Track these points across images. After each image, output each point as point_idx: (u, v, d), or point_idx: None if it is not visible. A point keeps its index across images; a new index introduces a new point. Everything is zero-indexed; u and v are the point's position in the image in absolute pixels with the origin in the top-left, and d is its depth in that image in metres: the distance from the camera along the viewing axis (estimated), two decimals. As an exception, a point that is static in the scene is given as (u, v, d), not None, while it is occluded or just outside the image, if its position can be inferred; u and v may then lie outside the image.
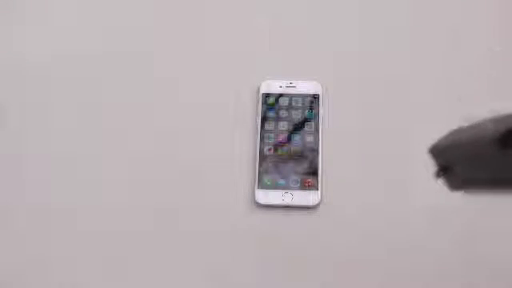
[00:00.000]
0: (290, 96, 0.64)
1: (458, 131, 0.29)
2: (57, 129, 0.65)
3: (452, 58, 0.66)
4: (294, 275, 0.58)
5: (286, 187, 0.60)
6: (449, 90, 0.64)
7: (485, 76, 0.65)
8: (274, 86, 0.65)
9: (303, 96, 0.64)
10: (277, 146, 0.62)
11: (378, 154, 0.62)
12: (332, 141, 0.62)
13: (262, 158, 0.62)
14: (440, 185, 0.60)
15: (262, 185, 0.61)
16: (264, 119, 0.63)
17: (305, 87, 0.65)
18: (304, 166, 0.61)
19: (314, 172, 0.61)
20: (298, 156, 0.62)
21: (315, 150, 0.62)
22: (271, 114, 0.64)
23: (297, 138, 0.62)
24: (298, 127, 0.63)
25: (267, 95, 0.64)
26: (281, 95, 0.64)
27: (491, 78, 0.65)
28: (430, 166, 0.62)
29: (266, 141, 0.62)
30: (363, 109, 0.64)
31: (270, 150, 0.62)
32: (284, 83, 0.65)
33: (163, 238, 0.60)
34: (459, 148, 0.29)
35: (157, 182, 0.62)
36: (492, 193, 0.29)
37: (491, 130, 0.26)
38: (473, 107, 0.63)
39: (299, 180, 0.61)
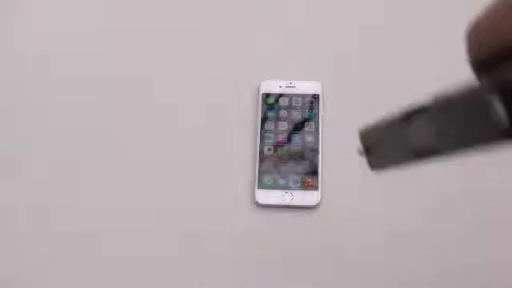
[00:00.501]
0: (290, 96, 0.64)
1: (385, 116, 0.33)
2: (57, 129, 0.65)
3: (452, 57, 0.66)
4: (294, 275, 0.58)
5: (286, 187, 0.60)
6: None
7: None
8: (274, 86, 0.65)
9: (303, 96, 0.64)
10: (277, 146, 0.62)
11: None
12: (332, 141, 0.62)
13: (262, 158, 0.62)
14: (440, 186, 0.60)
15: (262, 185, 0.61)
16: (264, 119, 0.63)
17: (305, 87, 0.65)
18: (304, 166, 0.61)
19: (313, 172, 0.61)
20: (298, 156, 0.62)
21: (315, 150, 0.62)
22: (271, 114, 0.64)
23: (297, 138, 0.62)
24: (298, 127, 0.63)
25: (267, 95, 0.64)
26: (281, 95, 0.64)
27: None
28: (429, 166, 0.62)
29: (266, 141, 0.62)
30: (363, 109, 0.64)
31: (269, 150, 0.62)
32: (284, 83, 0.65)
33: (163, 238, 0.60)
34: (378, 130, 0.34)
35: (157, 182, 0.62)
36: (407, 165, 0.34)
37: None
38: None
39: (299, 180, 0.61)
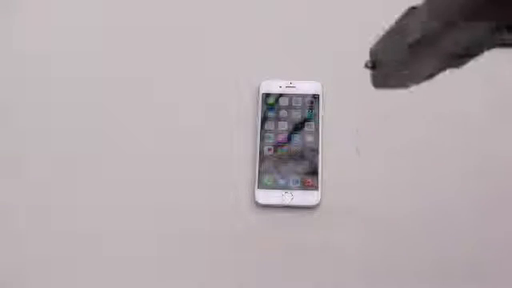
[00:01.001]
0: (290, 96, 0.64)
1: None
2: (57, 129, 0.65)
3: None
4: (294, 275, 0.58)
5: (286, 187, 0.60)
6: (448, 89, 0.64)
7: (480, 73, 0.65)
8: (274, 86, 0.65)
9: (303, 96, 0.64)
10: (277, 146, 0.62)
11: (377, 154, 0.62)
12: (332, 141, 0.62)
13: (262, 158, 0.62)
14: (439, 186, 0.60)
15: (261, 185, 0.61)
16: (264, 119, 0.63)
17: (305, 87, 0.65)
18: (304, 166, 0.61)
19: (314, 172, 0.61)
20: (298, 156, 0.62)
21: (315, 150, 0.62)
22: (271, 114, 0.64)
23: (297, 137, 0.62)
24: (298, 127, 0.63)
25: (267, 95, 0.65)
26: (281, 95, 0.64)
27: (485, 75, 0.65)
28: (431, 166, 0.62)
29: (266, 141, 0.62)
30: (363, 109, 0.64)
31: (269, 150, 0.62)
32: (284, 83, 0.65)
33: (163, 238, 0.60)
34: (383, 39, 0.38)
35: (157, 182, 0.62)
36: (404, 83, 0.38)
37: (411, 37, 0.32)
38: (468, 104, 0.64)
39: (299, 180, 0.61)
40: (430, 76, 0.36)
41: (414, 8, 0.32)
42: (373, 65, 0.39)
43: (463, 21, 0.27)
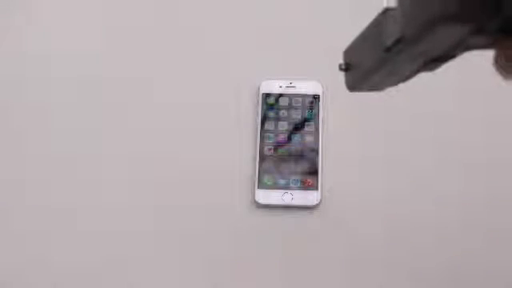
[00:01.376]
0: (290, 96, 0.64)
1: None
2: (57, 129, 0.65)
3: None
4: (294, 275, 0.58)
5: (286, 187, 0.60)
6: (448, 89, 0.64)
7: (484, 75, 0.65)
8: (274, 86, 0.65)
9: (303, 96, 0.64)
10: (277, 146, 0.62)
11: (377, 155, 0.62)
12: (332, 141, 0.62)
13: (262, 158, 0.62)
14: (440, 186, 0.60)
15: (261, 185, 0.61)
16: (264, 119, 0.63)
17: (305, 87, 0.65)
18: (304, 166, 0.61)
19: (314, 172, 0.61)
20: (298, 156, 0.62)
21: (315, 150, 0.62)
22: (271, 113, 0.64)
23: (297, 137, 0.62)
24: (298, 127, 0.63)
25: (267, 95, 0.65)
26: (281, 95, 0.64)
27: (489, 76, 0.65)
28: (428, 168, 0.62)
29: (266, 141, 0.62)
30: (363, 109, 0.64)
31: (270, 150, 0.62)
32: (284, 83, 0.65)
33: (163, 238, 0.60)
34: (357, 41, 0.37)
35: (157, 182, 0.62)
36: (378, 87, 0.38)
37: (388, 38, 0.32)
38: (469, 104, 0.64)
39: (299, 180, 0.61)
40: (404, 79, 0.36)
41: (388, 9, 0.32)
42: (346, 67, 0.39)
43: (438, 25, 0.27)
